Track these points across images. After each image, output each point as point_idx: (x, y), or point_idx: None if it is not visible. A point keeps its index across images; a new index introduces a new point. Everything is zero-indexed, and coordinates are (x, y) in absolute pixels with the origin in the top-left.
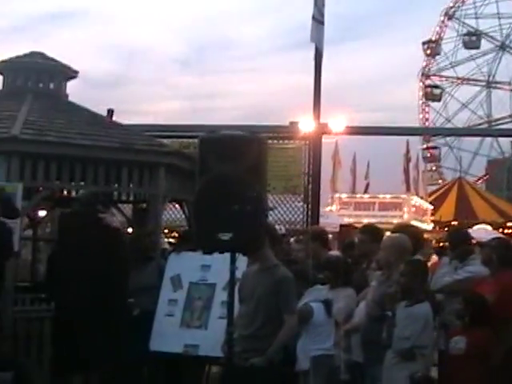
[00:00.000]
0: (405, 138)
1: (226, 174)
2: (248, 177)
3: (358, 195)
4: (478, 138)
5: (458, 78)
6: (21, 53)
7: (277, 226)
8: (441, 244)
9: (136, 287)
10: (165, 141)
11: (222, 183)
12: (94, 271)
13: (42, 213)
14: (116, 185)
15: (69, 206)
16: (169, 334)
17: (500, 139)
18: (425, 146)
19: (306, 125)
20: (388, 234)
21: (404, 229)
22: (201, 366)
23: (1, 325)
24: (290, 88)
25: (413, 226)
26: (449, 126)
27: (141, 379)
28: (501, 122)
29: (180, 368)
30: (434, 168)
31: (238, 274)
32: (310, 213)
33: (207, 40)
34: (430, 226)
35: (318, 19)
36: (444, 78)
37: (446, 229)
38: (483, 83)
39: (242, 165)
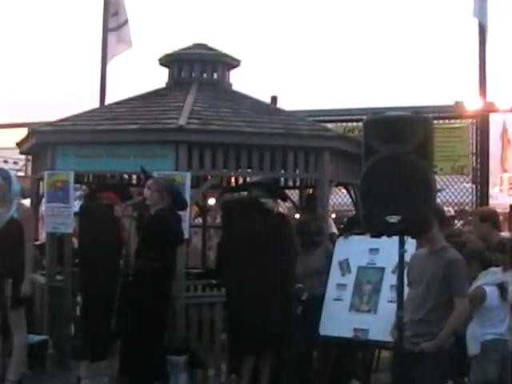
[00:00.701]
0: None
1: (392, 156)
2: (415, 158)
3: None
4: None
5: None
6: (184, 45)
7: (445, 208)
8: None
9: (304, 272)
10: (329, 125)
11: (388, 165)
12: (260, 257)
13: (211, 201)
14: (282, 171)
15: (238, 192)
16: (338, 319)
17: None
18: None
19: (473, 103)
20: None
21: None
22: (370, 350)
23: (174, 311)
24: (455, 66)
25: None
26: None
27: (311, 364)
28: None
29: (350, 353)
30: None
31: (407, 257)
32: (478, 194)
33: None
34: None
35: None
36: None
37: None
38: None
39: (408, 146)
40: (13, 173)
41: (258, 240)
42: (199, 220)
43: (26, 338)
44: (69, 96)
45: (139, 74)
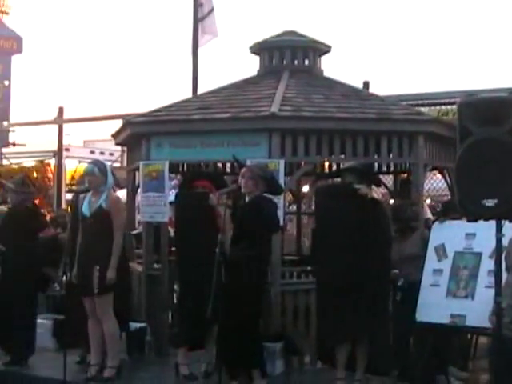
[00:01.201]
0: None
1: (488, 138)
2: (511, 140)
3: None
4: None
5: None
6: (274, 33)
7: None
8: None
9: (400, 258)
10: (422, 109)
11: (484, 148)
12: (354, 243)
13: (305, 187)
14: (375, 156)
15: (333, 179)
16: (435, 305)
17: None
18: None
19: None
20: None
21: None
22: (468, 337)
23: (269, 298)
24: None
25: None
26: None
27: (408, 350)
28: None
29: (447, 339)
30: None
31: (505, 241)
32: None
33: None
34: None
35: None
36: None
37: None
38: None
39: (505, 128)
40: (109, 164)
41: (352, 226)
42: (293, 207)
43: (115, 324)
44: (162, 87)
45: (230, 63)
